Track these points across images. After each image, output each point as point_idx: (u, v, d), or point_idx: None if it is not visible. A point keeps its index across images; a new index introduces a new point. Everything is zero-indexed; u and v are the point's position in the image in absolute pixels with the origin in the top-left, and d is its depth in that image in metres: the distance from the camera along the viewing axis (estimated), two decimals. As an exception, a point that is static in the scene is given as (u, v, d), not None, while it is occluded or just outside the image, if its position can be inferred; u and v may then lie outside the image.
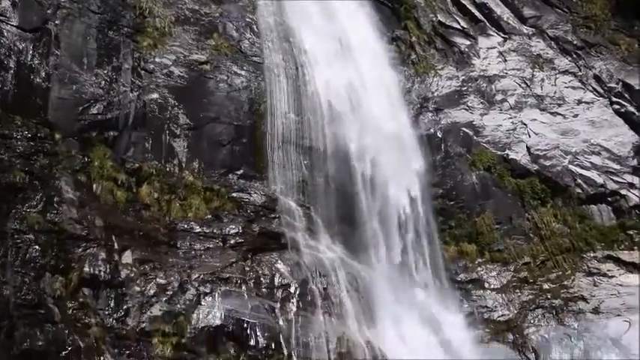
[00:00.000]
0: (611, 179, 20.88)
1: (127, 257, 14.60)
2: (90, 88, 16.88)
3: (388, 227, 18.58)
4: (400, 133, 20.50)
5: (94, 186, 15.38)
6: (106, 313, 13.51)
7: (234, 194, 17.20)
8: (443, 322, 17.61)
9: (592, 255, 19.77)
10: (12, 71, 15.52)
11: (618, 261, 19.70)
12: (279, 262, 16.09)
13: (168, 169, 17.00)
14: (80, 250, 13.95)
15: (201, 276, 14.91)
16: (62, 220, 14.09)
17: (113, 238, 14.61)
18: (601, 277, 19.41)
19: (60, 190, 14.53)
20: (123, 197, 15.55)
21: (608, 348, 17.99)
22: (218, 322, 14.32)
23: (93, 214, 14.74)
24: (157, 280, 14.49)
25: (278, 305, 15.22)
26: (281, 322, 14.95)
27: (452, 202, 20.42)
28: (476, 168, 21.03)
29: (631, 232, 20.03)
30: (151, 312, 13.98)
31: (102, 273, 13.90)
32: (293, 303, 15.41)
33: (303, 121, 19.43)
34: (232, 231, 16.24)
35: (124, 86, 17.44)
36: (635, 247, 19.80)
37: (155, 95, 17.95)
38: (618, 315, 18.59)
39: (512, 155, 21.35)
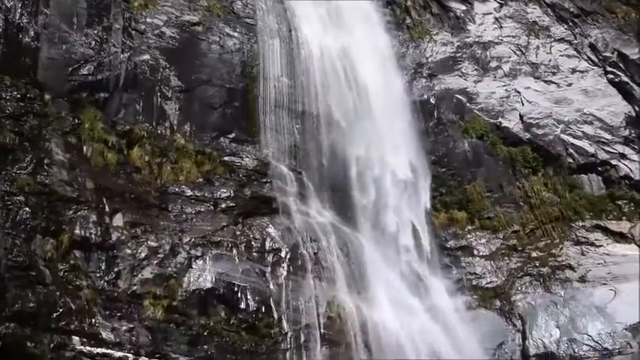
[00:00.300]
0: (603, 149, 20.95)
1: (118, 220, 14.59)
2: (80, 48, 16.60)
3: (380, 193, 18.66)
4: (394, 98, 20.40)
5: (85, 148, 15.26)
6: (97, 275, 13.55)
7: (226, 158, 17.13)
8: (431, 287, 17.85)
9: (580, 224, 19.96)
10: (0, 30, 15.22)
11: (606, 231, 19.91)
12: (270, 226, 16.14)
13: (159, 132, 16.87)
14: (71, 212, 13.91)
15: (193, 239, 14.93)
16: (52, 182, 14.01)
17: (104, 200, 14.57)
18: (589, 247, 19.64)
19: (50, 152, 14.41)
20: (114, 160, 15.44)
21: (593, 316, 18.30)
22: (209, 285, 14.41)
23: (83, 176, 14.66)
24: (148, 243, 14.51)
25: (269, 269, 15.33)
26: (271, 286, 15.08)
27: (443, 169, 20.46)
28: (468, 135, 21.03)
29: (620, 203, 20.21)
30: (142, 275, 14.04)
31: (93, 235, 13.90)
32: (283, 267, 15.52)
33: (296, 85, 19.27)
34: (224, 195, 16.23)
35: (115, 47, 17.16)
36: (624, 217, 20.00)
37: (146, 56, 17.70)
38: (604, 284, 18.87)
39: (504, 123, 21.33)
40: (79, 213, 14.00)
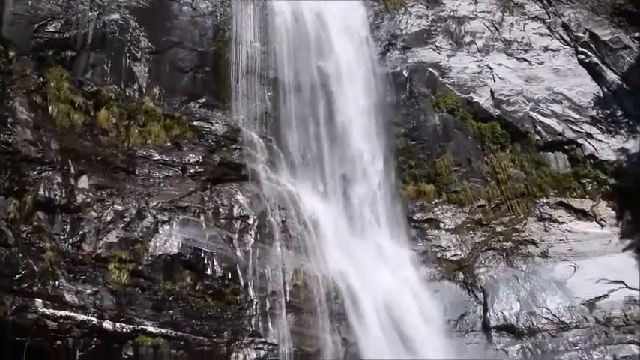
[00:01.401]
0: (570, 128, 21.25)
1: (84, 182, 14.35)
2: (47, 4, 16.11)
3: (349, 163, 18.71)
4: (366, 69, 20.34)
5: (50, 108, 14.90)
6: (62, 237, 13.35)
7: (195, 123, 16.90)
8: (397, 259, 18.07)
9: (545, 201, 20.32)
10: (-38, -18, 14.67)
11: (569, 208, 20.32)
12: (239, 193, 16.07)
13: (127, 94, 16.55)
14: (35, 173, 13.62)
15: (160, 204, 14.78)
16: (16, 141, 13.67)
17: (69, 162, 14.29)
18: (551, 223, 20.04)
19: (14, 111, 14.03)
20: (80, 121, 15.12)
21: (552, 290, 18.76)
22: (175, 250, 14.33)
23: (48, 136, 14.33)
24: (114, 206, 14.32)
25: (236, 236, 15.30)
26: (238, 253, 15.07)
27: (414, 142, 20.54)
28: (439, 109, 21.12)
29: (584, 181, 20.60)
30: (107, 238, 13.88)
31: (57, 197, 13.65)
32: (251, 234, 15.51)
33: (269, 52, 19.07)
34: (192, 160, 16.06)
35: (83, 4, 16.69)
36: (587, 196, 20.42)
37: (116, 16, 17.27)
38: (565, 260, 19.32)
39: (475, 98, 21.45)
40: (43, 174, 13.72)
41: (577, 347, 17.76)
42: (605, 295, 18.50)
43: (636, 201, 19.52)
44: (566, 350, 17.72)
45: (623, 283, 18.60)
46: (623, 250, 19.36)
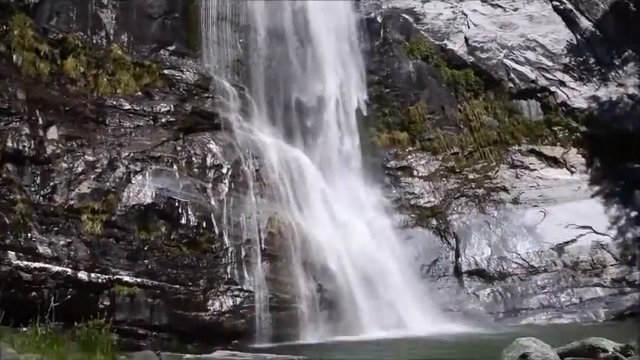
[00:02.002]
0: (543, 75, 21.33)
1: (53, 133, 14.05)
2: (6, -54, 15.37)
3: (323, 110, 18.60)
4: (339, 16, 20.02)
5: (15, 57, 14.41)
6: (32, 189, 13.13)
7: (166, 71, 16.52)
8: (371, 206, 18.23)
9: (517, 148, 20.57)
10: None
11: (540, 155, 20.60)
12: (212, 142, 15.93)
13: (95, 42, 16.08)
14: (2, 124, 13.27)
15: (131, 154, 14.59)
16: (-20, 91, 13.29)
17: (37, 112, 13.94)
18: (523, 170, 20.33)
19: (-24, 60, 13.59)
20: (46, 70, 14.68)
21: (522, 236, 19.18)
22: (149, 200, 14.24)
23: (14, 86, 13.92)
24: (85, 157, 14.10)
25: (210, 185, 15.25)
26: (213, 202, 15.05)
27: (387, 90, 20.48)
28: (413, 56, 20.99)
29: (555, 129, 20.84)
30: (79, 189, 13.70)
31: (26, 148, 13.36)
32: (225, 183, 15.47)
33: (240, -4, 18.57)
34: (163, 109, 15.80)
35: (45, -53, 15.98)
36: (558, 143, 20.70)
37: (80, -40, 16.58)
38: (535, 206, 19.70)
39: (450, 45, 21.34)
40: (10, 125, 13.38)
41: (545, 290, 18.28)
42: (573, 240, 18.98)
43: (606, 148, 19.85)
44: (535, 294, 18.23)
45: (591, 228, 19.07)
46: (592, 196, 19.79)
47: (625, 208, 19.38)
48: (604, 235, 18.97)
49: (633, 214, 19.26)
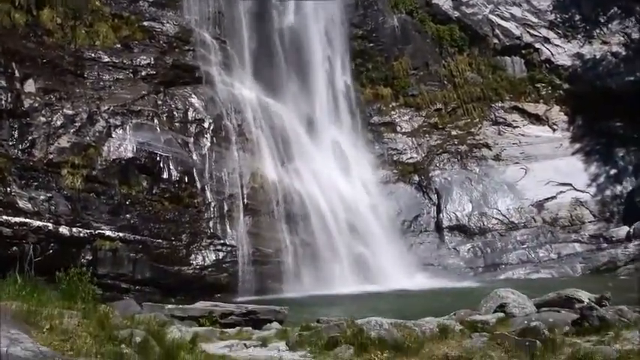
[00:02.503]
0: (528, 32, 21.21)
1: (30, 86, 13.73)
2: None
3: (306, 66, 18.38)
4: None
5: (-11, 6, 13.99)
6: (10, 144, 12.90)
7: (145, 23, 16.12)
8: (354, 161, 18.23)
9: (500, 105, 20.58)
10: None
11: (523, 112, 20.65)
12: (193, 96, 15.72)
13: (72, -8, 15.61)
14: (-24, 77, 12.98)
15: (111, 108, 14.37)
16: (-46, 42, 12.92)
17: (13, 65, 13.59)
18: (506, 127, 20.40)
19: (-52, 9, 13.16)
20: (22, 20, 14.25)
21: (503, 192, 19.38)
22: (130, 154, 14.10)
23: (-11, 37, 13.56)
24: (64, 110, 13.84)
25: (192, 140, 15.11)
26: (194, 157, 14.95)
27: (371, 44, 20.24)
28: (398, 11, 20.71)
29: (539, 86, 20.85)
30: (58, 143, 13.50)
31: (3, 102, 13.07)
32: (207, 138, 15.34)
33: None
34: (143, 62, 15.50)
35: None
36: (541, 101, 20.74)
37: None
38: (517, 163, 19.85)
39: (435, 0, 21.07)
40: (-15, 78, 13.09)
41: (524, 246, 18.58)
42: (553, 197, 19.23)
43: (588, 106, 19.92)
44: (514, 249, 18.52)
45: (571, 185, 19.32)
46: (573, 153, 19.97)
47: (605, 165, 19.61)
48: (583, 192, 19.23)
49: (612, 171, 19.51)
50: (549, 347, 5.56)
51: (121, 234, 13.45)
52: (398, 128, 19.76)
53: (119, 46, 15.44)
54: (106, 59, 15.05)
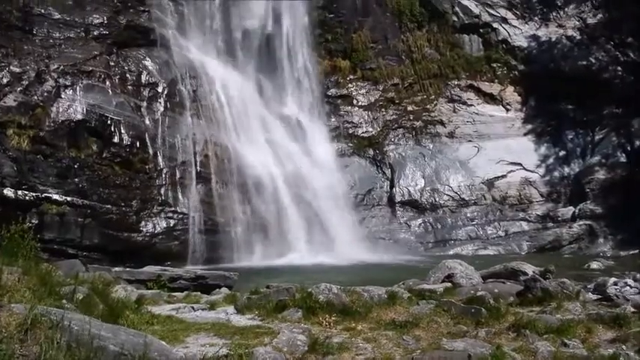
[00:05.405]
0: (487, 11, 21.33)
1: (-25, 40, 13.16)
2: None
3: (265, 35, 18.09)
4: None
5: None
6: (-48, 100, 12.39)
7: (97, -21, 15.61)
8: (309, 133, 18.16)
9: (456, 83, 20.72)
10: None
11: (479, 91, 20.85)
12: (147, 59, 15.33)
13: (20, -57, 14.91)
14: None
15: (61, 67, 13.89)
16: None
17: (-44, 18, 13.01)
18: (461, 105, 20.58)
19: None
20: (-33, -30, 13.62)
21: (456, 169, 19.63)
22: (79, 116, 13.70)
23: None
24: (11, 68, 13.33)
25: (144, 104, 14.77)
26: (147, 122, 14.62)
27: (331, 15, 20.05)
28: (359, -18, 20.55)
29: (495, 65, 21.05)
30: (4, 102, 13.02)
31: (-56, 55, 12.52)
32: (160, 103, 15.01)
33: None
34: (96, 21, 14.99)
35: None
36: (496, 80, 20.96)
37: None
38: (470, 141, 20.09)
39: (396, -26, 20.98)
40: None
41: (474, 222, 18.91)
42: (503, 176, 19.58)
43: (541, 88, 20.23)
44: (464, 225, 18.83)
45: (521, 165, 19.68)
46: (525, 134, 20.30)
47: (554, 147, 20.02)
48: (533, 172, 19.62)
49: (562, 153, 19.93)
50: (494, 315, 5.68)
51: (68, 198, 13.11)
52: (354, 101, 19.72)
53: (70, 2, 14.89)
54: (57, 16, 14.51)
